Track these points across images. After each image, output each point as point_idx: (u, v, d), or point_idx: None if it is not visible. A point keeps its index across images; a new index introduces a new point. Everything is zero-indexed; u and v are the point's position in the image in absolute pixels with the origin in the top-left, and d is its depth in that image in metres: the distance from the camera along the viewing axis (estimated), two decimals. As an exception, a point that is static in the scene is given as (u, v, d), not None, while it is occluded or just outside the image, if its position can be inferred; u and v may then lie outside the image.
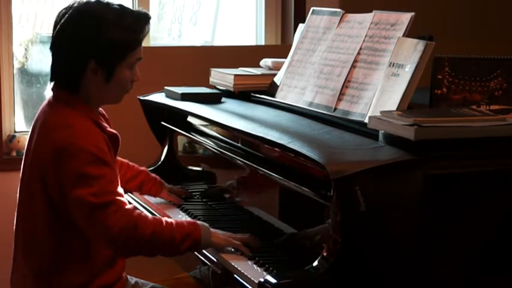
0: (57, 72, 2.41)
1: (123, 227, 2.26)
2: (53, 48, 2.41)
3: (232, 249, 2.38)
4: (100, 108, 2.50)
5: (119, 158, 2.72)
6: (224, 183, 2.89)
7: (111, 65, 2.36)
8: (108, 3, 2.38)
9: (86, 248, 2.38)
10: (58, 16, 2.39)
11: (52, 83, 2.43)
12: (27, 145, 2.44)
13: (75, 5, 2.38)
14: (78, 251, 2.38)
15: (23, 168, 2.44)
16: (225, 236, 2.40)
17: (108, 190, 2.28)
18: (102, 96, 2.42)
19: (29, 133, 2.45)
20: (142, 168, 2.93)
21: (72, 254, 2.38)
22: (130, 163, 2.88)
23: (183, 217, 2.76)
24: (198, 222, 2.39)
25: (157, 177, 2.92)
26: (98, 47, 2.33)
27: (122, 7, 2.38)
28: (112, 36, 2.33)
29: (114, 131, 2.44)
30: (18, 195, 2.45)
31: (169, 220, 2.35)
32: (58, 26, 2.38)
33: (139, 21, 2.38)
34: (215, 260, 2.39)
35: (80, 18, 2.36)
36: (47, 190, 2.33)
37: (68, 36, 2.36)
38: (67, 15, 2.37)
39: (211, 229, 2.39)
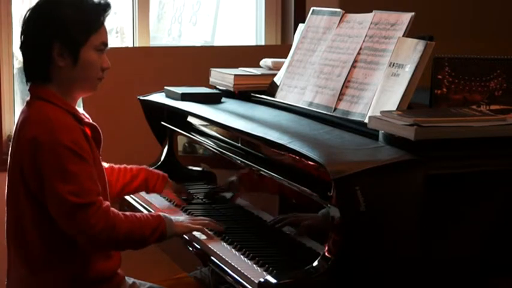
0: (28, 67, 2.44)
1: (103, 228, 2.32)
2: (21, 47, 2.45)
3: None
4: (84, 112, 2.51)
5: (112, 165, 2.75)
6: (224, 183, 2.89)
7: (75, 45, 2.39)
8: None
9: (75, 240, 2.39)
10: (23, 17, 2.44)
11: (29, 85, 2.46)
12: (11, 144, 2.46)
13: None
14: (67, 243, 2.38)
15: (8, 168, 2.46)
16: (186, 223, 2.50)
17: (88, 188, 2.32)
18: (74, 83, 2.43)
19: (13, 133, 2.47)
20: (141, 166, 2.90)
21: (61, 246, 2.39)
22: (128, 166, 2.84)
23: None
24: (161, 214, 2.48)
25: (159, 172, 2.89)
26: (59, 28, 2.37)
27: None
28: (72, 16, 2.38)
29: (93, 122, 2.46)
30: (6, 195, 2.47)
31: (138, 215, 2.42)
32: (23, 23, 2.44)
33: (99, 4, 2.43)
34: (215, 260, 2.39)
35: (40, 6, 2.42)
36: (26, 182, 2.36)
37: (30, 26, 2.42)
38: (29, 10, 2.43)
39: (173, 218, 2.49)
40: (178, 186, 2.94)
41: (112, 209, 2.38)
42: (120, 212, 2.40)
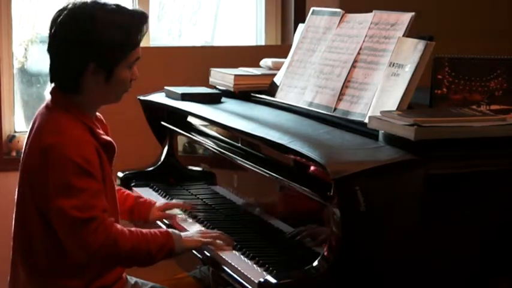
0: (56, 74, 2.38)
1: (103, 244, 2.26)
2: (50, 50, 2.38)
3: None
4: (98, 114, 2.48)
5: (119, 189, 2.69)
6: (224, 183, 2.89)
7: (111, 66, 2.33)
8: (104, 4, 2.34)
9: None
10: (53, 17, 2.36)
11: (51, 85, 2.41)
12: (24, 147, 2.43)
13: (70, 6, 2.34)
14: (72, 257, 2.34)
15: (20, 170, 2.43)
16: (196, 238, 2.44)
17: (91, 204, 2.26)
18: (102, 97, 2.40)
19: (27, 134, 2.44)
20: (131, 193, 2.81)
21: (69, 258, 2.35)
22: (122, 189, 2.77)
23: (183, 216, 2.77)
24: (170, 230, 2.41)
25: (146, 199, 2.79)
26: (98, 50, 2.30)
27: (118, 7, 2.35)
28: (111, 37, 2.30)
29: (109, 139, 2.41)
30: (15, 197, 2.44)
31: (144, 231, 2.36)
32: (54, 28, 2.35)
33: (137, 20, 2.36)
34: (215, 260, 2.39)
35: (76, 20, 2.32)
36: (34, 193, 2.33)
37: (66, 39, 2.33)
38: (62, 17, 2.33)
39: (182, 234, 2.42)
40: (174, 203, 2.82)
41: (116, 224, 2.32)
42: (125, 228, 2.33)
